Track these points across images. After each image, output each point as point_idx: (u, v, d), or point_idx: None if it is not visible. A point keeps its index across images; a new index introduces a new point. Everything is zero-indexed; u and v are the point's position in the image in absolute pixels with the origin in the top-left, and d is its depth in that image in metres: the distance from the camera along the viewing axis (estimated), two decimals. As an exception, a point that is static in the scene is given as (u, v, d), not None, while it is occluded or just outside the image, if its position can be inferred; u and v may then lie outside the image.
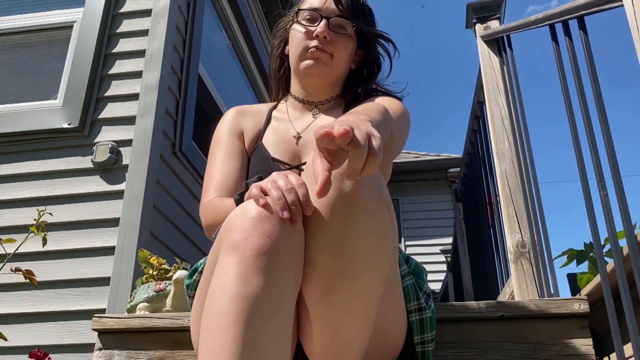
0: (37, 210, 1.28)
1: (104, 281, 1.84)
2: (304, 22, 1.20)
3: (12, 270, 1.28)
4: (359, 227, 0.79)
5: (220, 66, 3.24)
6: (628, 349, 1.28)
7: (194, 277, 1.09)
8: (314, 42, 1.19)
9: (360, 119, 0.74)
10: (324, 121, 1.21)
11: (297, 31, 1.21)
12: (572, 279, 2.13)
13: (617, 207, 1.05)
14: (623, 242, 1.10)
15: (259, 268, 0.73)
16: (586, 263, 1.82)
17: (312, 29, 1.19)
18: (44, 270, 1.87)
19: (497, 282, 2.45)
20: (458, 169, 3.32)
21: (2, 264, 1.25)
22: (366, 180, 0.81)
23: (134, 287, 1.71)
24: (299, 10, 1.21)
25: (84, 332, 1.79)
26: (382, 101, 1.13)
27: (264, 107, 1.31)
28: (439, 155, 7.17)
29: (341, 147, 0.67)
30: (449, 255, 4.73)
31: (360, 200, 0.79)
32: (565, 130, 1.24)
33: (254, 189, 0.80)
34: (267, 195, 0.79)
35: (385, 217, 0.83)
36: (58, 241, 1.94)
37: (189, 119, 2.37)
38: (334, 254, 0.80)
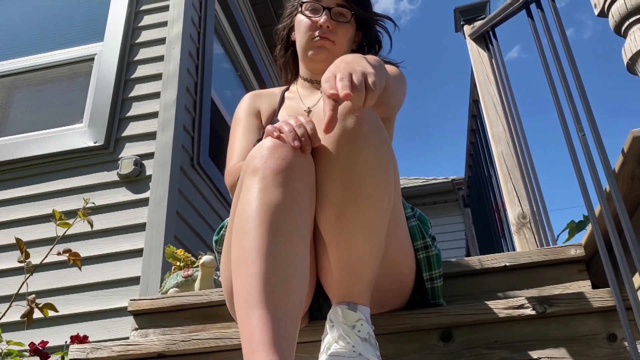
0: (84, 199, 1.42)
1: (134, 280, 1.97)
2: (307, 12, 1.37)
3: (59, 253, 1.41)
4: (362, 159, 0.93)
5: (230, 93, 3.45)
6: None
7: (221, 232, 1.22)
8: (318, 32, 1.35)
9: (355, 60, 0.89)
10: None
11: (302, 22, 1.37)
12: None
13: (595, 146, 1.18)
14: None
15: (277, 183, 0.87)
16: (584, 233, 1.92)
17: (316, 19, 1.36)
18: (77, 275, 2.00)
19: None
20: (463, 176, 3.44)
21: (51, 247, 1.38)
22: (366, 119, 0.95)
23: (162, 281, 1.83)
24: (303, 2, 1.38)
25: (117, 329, 1.90)
26: None
27: (276, 90, 1.47)
28: (446, 178, 7.30)
29: None
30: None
31: (362, 135, 0.93)
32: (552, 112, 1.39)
33: (269, 127, 0.95)
34: (281, 132, 0.94)
35: (385, 151, 0.97)
36: (89, 248, 2.07)
37: (204, 136, 2.54)
38: (342, 184, 0.93)
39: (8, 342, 1.46)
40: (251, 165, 0.91)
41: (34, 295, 1.35)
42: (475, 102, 2.55)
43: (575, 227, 1.94)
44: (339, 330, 0.92)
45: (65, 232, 1.43)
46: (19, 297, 1.48)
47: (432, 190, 7.14)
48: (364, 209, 0.94)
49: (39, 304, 1.33)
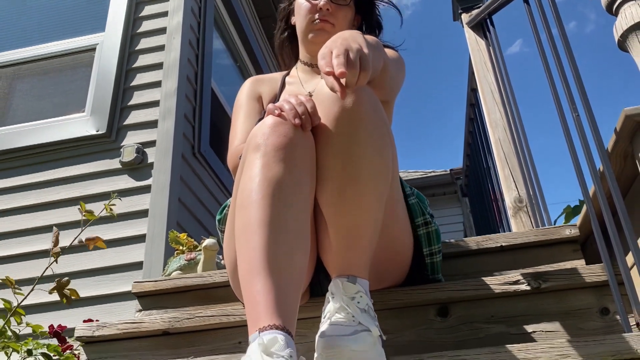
0: (111, 193, 1.48)
1: (137, 265, 2.00)
2: None
3: (81, 242, 1.47)
4: (361, 138, 0.96)
5: (230, 83, 3.47)
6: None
7: (224, 212, 1.24)
8: (318, 15, 1.37)
9: (352, 36, 0.92)
10: None
11: (302, 5, 1.40)
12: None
13: (588, 126, 1.20)
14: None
15: (279, 159, 0.90)
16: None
17: (315, 2, 1.38)
18: (82, 261, 2.03)
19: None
20: (461, 166, 3.47)
21: (77, 234, 1.44)
22: (365, 99, 0.98)
23: (165, 266, 1.86)
24: None
25: (121, 313, 1.93)
26: None
27: (277, 75, 1.50)
28: (445, 171, 7.33)
29: None
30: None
31: (362, 115, 0.96)
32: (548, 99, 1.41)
33: (270, 106, 0.98)
34: (282, 110, 0.97)
35: (383, 130, 1.00)
36: (93, 234, 2.10)
37: (205, 125, 2.57)
38: (342, 163, 0.96)
39: (27, 324, 1.50)
40: (253, 142, 0.93)
41: (67, 278, 1.41)
42: (473, 91, 2.58)
43: (571, 212, 1.97)
44: (339, 301, 0.94)
45: (88, 224, 1.49)
46: (42, 280, 1.52)
47: (431, 182, 7.16)
48: (363, 187, 0.96)
49: (65, 288, 1.40)
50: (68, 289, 1.43)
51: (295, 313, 0.82)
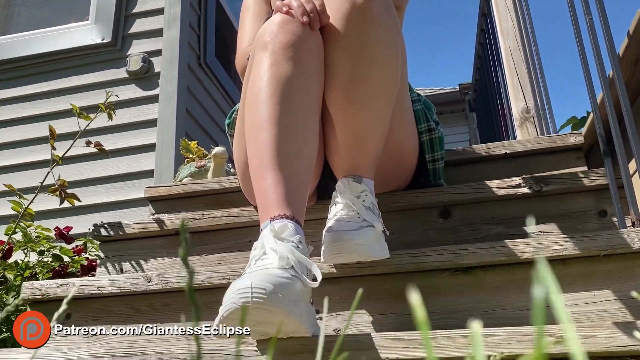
0: (106, 91, 1.46)
1: (148, 173, 2.04)
2: None
3: (87, 144, 1.48)
4: (371, 35, 0.95)
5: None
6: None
7: (233, 116, 1.26)
8: None
9: None
10: None
11: None
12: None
13: (601, 29, 1.18)
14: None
15: (288, 57, 0.90)
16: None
17: None
18: (94, 168, 2.08)
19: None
20: (470, 81, 3.42)
21: (75, 138, 1.44)
22: None
23: (176, 173, 1.90)
24: None
25: (134, 218, 2.00)
26: None
27: None
28: (454, 88, 7.22)
29: None
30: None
31: (372, 12, 0.94)
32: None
33: (278, 3, 0.96)
34: (290, 8, 0.95)
35: (394, 29, 0.98)
36: (103, 143, 2.13)
37: (210, 35, 2.52)
38: (351, 61, 0.96)
39: (37, 228, 1.55)
40: (261, 40, 0.93)
41: (63, 179, 1.43)
42: (486, 1, 2.50)
43: (577, 123, 1.97)
44: (345, 199, 0.98)
45: (87, 126, 1.48)
46: (43, 188, 1.53)
47: (439, 100, 7.06)
48: (371, 87, 0.97)
49: (68, 186, 1.42)
50: (68, 192, 1.46)
51: (304, 206, 0.86)
